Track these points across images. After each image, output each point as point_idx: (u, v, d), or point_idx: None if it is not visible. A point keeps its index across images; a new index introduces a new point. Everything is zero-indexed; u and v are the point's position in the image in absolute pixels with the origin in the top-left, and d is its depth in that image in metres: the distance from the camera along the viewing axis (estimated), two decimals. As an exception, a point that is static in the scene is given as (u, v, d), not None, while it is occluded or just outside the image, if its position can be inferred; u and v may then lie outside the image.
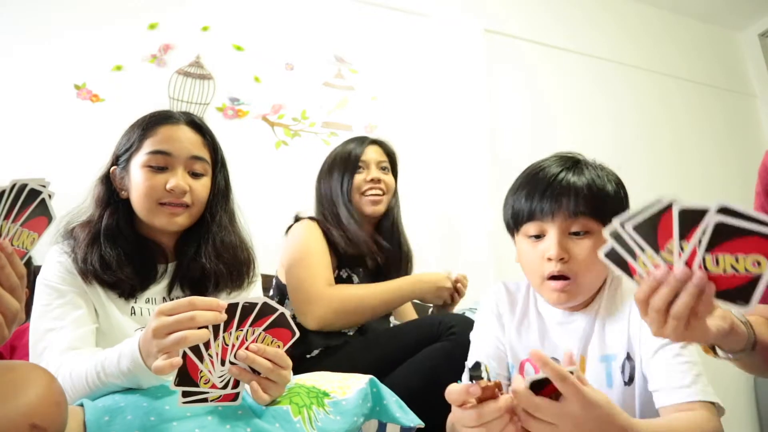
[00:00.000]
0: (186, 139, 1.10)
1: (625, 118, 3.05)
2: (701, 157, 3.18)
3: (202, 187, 1.11)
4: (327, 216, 1.59)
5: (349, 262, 1.56)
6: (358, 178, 1.60)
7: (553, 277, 0.95)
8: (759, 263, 0.58)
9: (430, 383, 1.12)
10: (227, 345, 0.78)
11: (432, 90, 2.68)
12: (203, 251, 1.11)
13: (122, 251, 1.05)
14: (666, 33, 3.37)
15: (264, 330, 0.80)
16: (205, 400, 0.78)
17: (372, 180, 1.60)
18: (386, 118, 2.55)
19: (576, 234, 0.94)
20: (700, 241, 0.60)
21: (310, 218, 1.58)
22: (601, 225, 0.90)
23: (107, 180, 1.13)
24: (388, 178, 1.65)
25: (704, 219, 0.60)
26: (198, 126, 1.15)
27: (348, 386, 0.90)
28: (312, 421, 0.82)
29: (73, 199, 1.96)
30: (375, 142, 1.69)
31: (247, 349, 0.79)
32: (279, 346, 0.81)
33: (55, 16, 2.07)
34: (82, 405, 0.78)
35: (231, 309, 0.77)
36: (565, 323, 1.01)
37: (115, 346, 0.86)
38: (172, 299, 1.08)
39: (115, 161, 1.13)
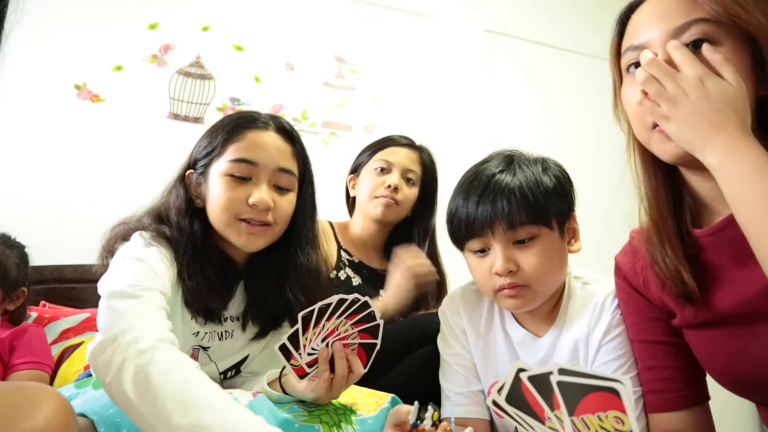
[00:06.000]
0: (274, 147, 0.98)
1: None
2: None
3: (287, 203, 0.99)
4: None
5: (353, 264, 1.47)
6: (378, 179, 1.43)
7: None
8: (621, 420, 0.55)
9: (421, 386, 1.07)
10: (337, 330, 0.83)
11: (432, 90, 2.67)
12: (287, 283, 1.01)
13: (208, 277, 0.94)
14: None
15: (359, 343, 0.85)
16: (288, 359, 0.83)
17: (389, 186, 1.41)
18: (386, 118, 2.55)
19: (521, 242, 0.89)
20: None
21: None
22: (545, 227, 0.90)
23: (183, 184, 1.00)
24: (411, 192, 1.46)
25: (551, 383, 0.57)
26: (288, 133, 1.02)
27: (372, 404, 0.93)
28: None
29: (74, 197, 1.98)
30: (413, 146, 1.49)
31: (345, 346, 0.83)
32: None
33: (55, 16, 2.05)
34: (84, 415, 0.77)
35: (364, 306, 0.82)
36: (528, 346, 0.98)
37: None
38: (245, 331, 1.03)
39: (193, 164, 1.01)
